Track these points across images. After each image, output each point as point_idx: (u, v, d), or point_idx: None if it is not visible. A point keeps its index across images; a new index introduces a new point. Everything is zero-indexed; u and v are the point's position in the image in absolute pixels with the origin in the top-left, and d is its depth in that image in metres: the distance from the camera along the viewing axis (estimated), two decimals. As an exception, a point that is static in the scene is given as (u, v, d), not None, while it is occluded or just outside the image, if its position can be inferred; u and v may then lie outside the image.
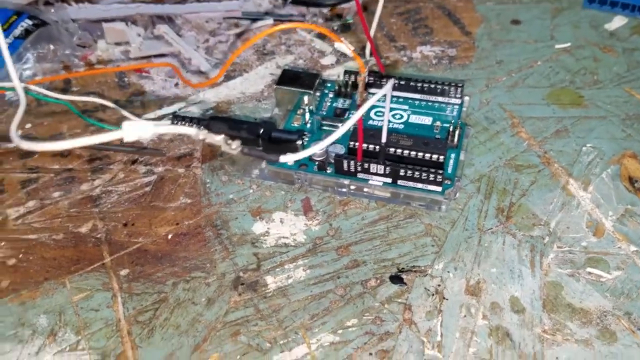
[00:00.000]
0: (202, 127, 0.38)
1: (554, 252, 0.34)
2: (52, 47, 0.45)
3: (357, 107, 0.34)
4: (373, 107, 0.41)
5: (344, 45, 0.30)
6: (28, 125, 0.43)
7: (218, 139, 0.25)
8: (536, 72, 0.45)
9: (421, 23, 0.51)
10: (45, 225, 0.37)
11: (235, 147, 0.25)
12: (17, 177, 0.39)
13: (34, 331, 0.31)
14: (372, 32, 0.39)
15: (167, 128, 0.24)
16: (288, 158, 0.27)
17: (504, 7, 0.52)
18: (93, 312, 0.32)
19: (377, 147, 0.36)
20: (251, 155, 0.27)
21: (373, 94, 0.39)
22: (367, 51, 0.40)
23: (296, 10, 0.52)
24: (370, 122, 0.40)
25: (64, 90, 0.46)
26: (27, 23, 0.47)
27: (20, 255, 0.35)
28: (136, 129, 0.23)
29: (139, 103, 0.45)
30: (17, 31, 0.46)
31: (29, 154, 0.41)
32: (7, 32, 0.45)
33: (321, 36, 0.50)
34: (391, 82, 0.30)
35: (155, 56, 0.48)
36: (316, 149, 0.27)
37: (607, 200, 0.36)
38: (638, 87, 0.43)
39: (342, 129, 0.28)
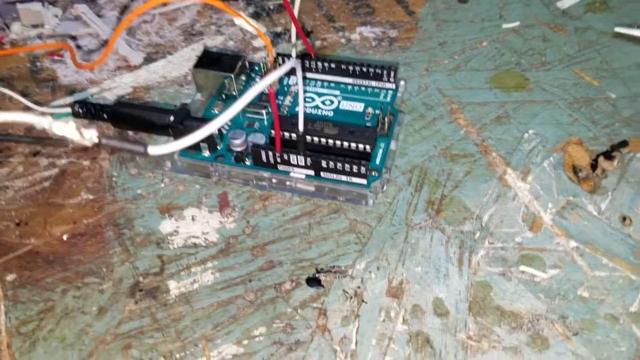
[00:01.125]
0: (104, 115, 0.34)
1: (485, 248, 0.31)
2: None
3: (269, 93, 0.30)
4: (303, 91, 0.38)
5: (244, 21, 0.27)
6: None
7: (68, 128, 0.21)
8: (481, 53, 0.42)
9: (363, 2, 0.48)
10: None
11: (89, 137, 0.22)
12: None
13: None
14: (296, 12, 0.36)
15: (2, 115, 0.20)
16: (156, 150, 0.23)
17: (451, -16, 0.49)
18: (-29, 324, 0.29)
19: (296, 135, 0.33)
20: (111, 148, 0.23)
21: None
22: (293, 33, 0.37)
23: (230, -11, 0.48)
24: (297, 108, 0.37)
25: (-31, 78, 0.42)
26: None
27: None
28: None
29: (49, 89, 0.41)
30: None
31: None
32: None
33: (255, 15, 0.46)
34: (291, 62, 0.27)
35: (71, 37, 0.44)
36: (183, 144, 0.24)
37: (547, 192, 0.33)
38: (588, 69, 0.40)
39: (225, 115, 0.25)
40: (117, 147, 0.23)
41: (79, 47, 0.44)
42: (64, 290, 0.30)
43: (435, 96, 0.39)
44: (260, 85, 0.25)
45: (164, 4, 0.47)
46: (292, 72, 0.38)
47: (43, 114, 0.32)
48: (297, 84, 0.26)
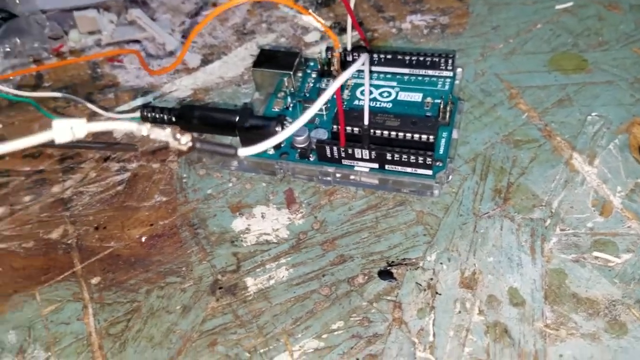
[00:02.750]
0: (172, 118, 0.35)
1: (557, 235, 0.31)
2: (18, 41, 0.42)
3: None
4: (358, 85, 0.38)
5: (313, 19, 0.27)
6: (-1, 126, 0.41)
7: (165, 133, 0.22)
8: (536, 36, 0.42)
9: (411, -11, 0.47)
10: (15, 233, 0.35)
11: (184, 142, 0.23)
12: (-14, 183, 0.37)
13: (2, 349, 0.30)
14: (352, 3, 0.36)
15: (103, 125, 0.21)
16: (245, 151, 0.24)
17: (500, -34, 0.48)
18: (63, 326, 0.30)
19: (361, 129, 0.33)
20: (205, 151, 0.24)
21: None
22: (349, 26, 0.37)
23: (277, -16, 0.49)
24: (357, 102, 0.37)
25: (36, 86, 0.44)
26: (-8, 17, 0.44)
27: (-11, 267, 0.33)
28: (67, 128, 0.20)
29: (112, 94, 0.42)
30: (-18, 26, 0.44)
31: None
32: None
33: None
34: (363, 57, 0.27)
35: (128, 42, 0.45)
36: (270, 144, 0.25)
37: (614, 175, 0.33)
38: (648, 47, 0.40)
39: (303, 117, 0.25)
40: (211, 151, 0.24)
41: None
42: (148, 291, 0.31)
43: (493, 82, 0.39)
44: (339, 82, 0.26)
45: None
46: (345, 64, 0.39)
47: (112, 118, 0.34)
48: (359, 65, 0.26)
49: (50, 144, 0.39)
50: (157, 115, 0.35)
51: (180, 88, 0.42)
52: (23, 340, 0.30)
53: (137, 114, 0.36)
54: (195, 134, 0.25)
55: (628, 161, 0.34)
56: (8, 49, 0.42)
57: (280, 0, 0.27)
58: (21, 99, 0.38)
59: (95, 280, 0.32)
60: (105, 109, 0.40)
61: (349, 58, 0.39)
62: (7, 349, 0.30)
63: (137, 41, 0.45)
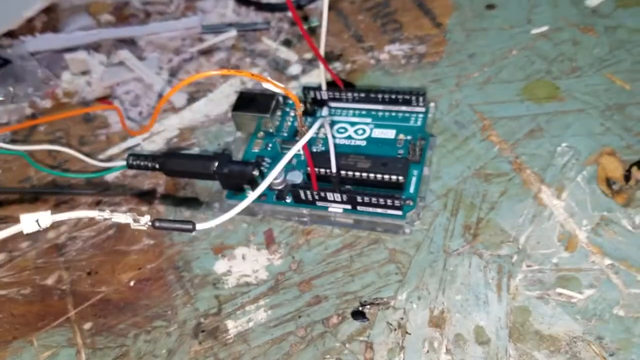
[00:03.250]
0: (155, 166, 0.37)
1: (523, 272, 0.32)
2: (11, 89, 0.44)
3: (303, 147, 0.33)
4: (335, 122, 0.40)
5: (271, 85, 0.29)
6: (-1, 171, 0.43)
7: (124, 217, 0.24)
8: (511, 63, 0.43)
9: (390, 18, 0.48)
10: (14, 280, 0.37)
11: (144, 222, 0.24)
12: (-14, 230, 0.40)
13: (2, 395, 0.32)
14: (322, 49, 0.37)
15: (66, 215, 0.23)
16: (204, 225, 0.26)
17: (478, -10, 0.49)
18: (58, 371, 0.32)
19: (330, 174, 0.35)
20: (164, 230, 0.26)
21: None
22: (321, 67, 0.39)
23: (261, 17, 0.50)
24: (337, 140, 0.39)
25: (31, 130, 0.46)
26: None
27: (-10, 314, 0.35)
28: (33, 221, 0.22)
29: (104, 137, 0.44)
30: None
31: (-1, 202, 0.41)
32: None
33: (287, 43, 0.48)
34: (319, 122, 0.29)
35: (118, 84, 0.47)
36: (234, 212, 0.26)
37: (581, 208, 0.34)
38: (619, 72, 0.40)
39: (266, 180, 0.27)
40: (170, 228, 0.25)
41: (125, 94, 0.46)
42: (136, 335, 0.33)
43: (467, 113, 0.40)
44: (296, 148, 0.28)
45: (200, 42, 0.49)
46: (322, 102, 0.40)
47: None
48: (315, 128, 0.28)
49: (47, 190, 0.41)
50: (142, 163, 0.37)
51: (168, 128, 0.44)
52: (22, 386, 0.32)
53: (124, 162, 0.38)
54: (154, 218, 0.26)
55: (595, 193, 0.35)
56: (2, 98, 0.44)
57: (239, 72, 0.28)
58: (13, 152, 0.40)
59: (87, 326, 0.34)
60: (96, 153, 0.42)
61: (325, 96, 0.40)
62: (7, 395, 0.32)
63: (124, 83, 0.47)
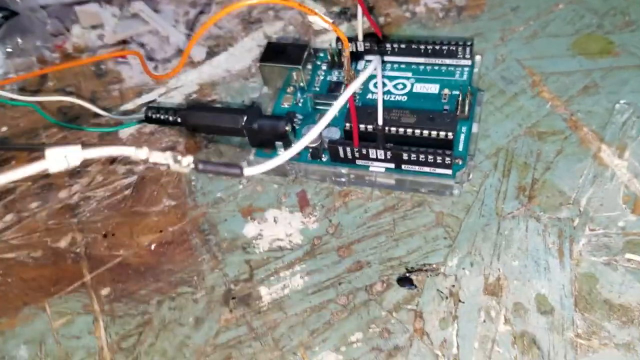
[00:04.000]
0: (177, 119, 0.33)
1: (586, 236, 0.29)
2: (19, 40, 0.41)
3: (345, 86, 0.29)
4: (371, 77, 0.36)
5: (319, 19, 0.25)
6: (4, 129, 0.40)
7: (165, 156, 0.21)
8: (558, 17, 0.39)
9: (424, -30, 0.45)
10: (23, 242, 0.34)
11: (186, 163, 0.21)
12: (-8, 189, 0.37)
13: (13, 365, 0.29)
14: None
15: (97, 151, 0.20)
16: (252, 170, 0.23)
17: (519, -59, 0.45)
18: (75, 340, 0.30)
19: (375, 129, 0.31)
20: (208, 172, 0.23)
21: (360, 70, 0.35)
22: (359, 15, 0.35)
23: (284, -32, 0.46)
24: (370, 95, 0.36)
25: (40, 85, 0.42)
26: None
27: (-2, 278, 0.32)
28: (62, 157, 0.19)
29: (117, 92, 0.41)
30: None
31: (5, 160, 0.38)
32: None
33: (313, -5, 0.44)
34: (375, 62, 0.25)
35: (132, 37, 0.44)
36: (283, 158, 0.23)
37: (647, 169, 0.31)
38: (680, 25, 0.37)
39: (318, 126, 0.24)
40: (215, 171, 0.22)
41: (140, 46, 0.43)
42: (159, 302, 0.30)
43: (514, 68, 0.37)
44: (348, 93, 0.24)
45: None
46: (357, 55, 0.37)
47: (110, 125, 0.32)
48: (370, 71, 0.25)
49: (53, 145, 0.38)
50: (162, 117, 0.34)
51: (186, 84, 0.40)
52: (35, 355, 0.29)
53: (142, 115, 0.35)
54: (200, 153, 0.23)
55: (661, 153, 0.32)
56: (10, 49, 0.40)
57: (285, 2, 0.25)
58: (23, 103, 0.37)
59: (105, 291, 0.31)
60: (109, 110, 0.39)
61: (360, 48, 0.37)
62: (18, 366, 0.29)
63: (139, 36, 0.44)
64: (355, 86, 0.25)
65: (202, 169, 0.22)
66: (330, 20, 0.26)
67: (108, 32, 0.44)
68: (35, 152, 0.38)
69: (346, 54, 0.27)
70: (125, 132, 0.38)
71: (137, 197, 0.35)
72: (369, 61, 0.37)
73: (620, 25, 0.38)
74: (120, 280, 0.31)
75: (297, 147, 0.24)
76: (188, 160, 0.21)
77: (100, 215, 0.34)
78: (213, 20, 0.25)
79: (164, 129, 0.37)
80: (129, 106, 0.40)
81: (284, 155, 0.23)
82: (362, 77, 0.25)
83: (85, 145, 0.19)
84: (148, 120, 0.34)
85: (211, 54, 0.42)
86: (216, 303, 0.30)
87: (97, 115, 0.39)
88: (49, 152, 0.18)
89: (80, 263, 0.32)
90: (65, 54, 0.44)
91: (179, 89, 0.40)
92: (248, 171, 0.23)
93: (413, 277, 0.29)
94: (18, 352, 0.30)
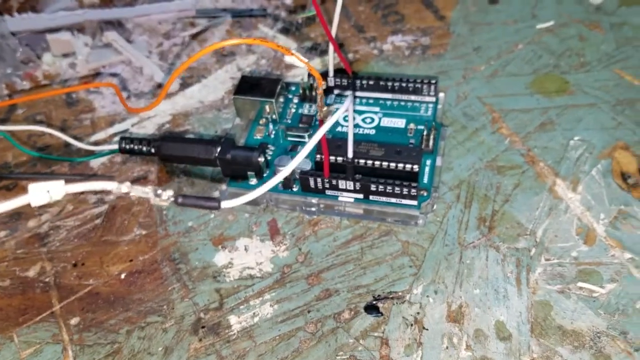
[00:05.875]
0: (151, 150, 0.34)
1: (542, 265, 0.31)
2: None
3: (319, 121, 0.31)
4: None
5: (295, 59, 0.27)
6: (-29, 155, 0.40)
7: (146, 190, 0.21)
8: (517, 57, 0.42)
9: (391, 9, 0.47)
10: (-10, 271, 0.34)
11: (166, 197, 0.22)
12: (-42, 217, 0.36)
13: (-22, 397, 0.29)
14: (333, 31, 0.35)
15: (80, 186, 0.21)
16: (230, 204, 0.24)
17: (480, -16, 0.48)
18: (42, 370, 0.29)
19: (345, 161, 0.33)
20: (187, 206, 0.23)
21: (334, 105, 0.37)
22: (331, 52, 0.37)
23: (256, 4, 0.48)
24: (340, 128, 0.37)
25: (9, 113, 0.42)
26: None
27: (-37, 308, 0.32)
28: (44, 192, 0.19)
29: (89, 121, 0.41)
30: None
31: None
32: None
33: (284, 31, 0.46)
34: (349, 99, 0.27)
35: (104, 66, 0.44)
36: (263, 189, 0.24)
37: (598, 202, 0.33)
38: (628, 68, 0.40)
39: (294, 161, 0.25)
40: (193, 205, 0.23)
41: (111, 76, 0.44)
42: (129, 332, 0.30)
43: (476, 105, 0.39)
44: (325, 128, 0.25)
45: (192, 27, 0.47)
46: (327, 89, 0.39)
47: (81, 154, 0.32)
48: (345, 107, 0.26)
49: (25, 175, 0.38)
50: (136, 147, 0.34)
51: (159, 113, 0.41)
52: (0, 386, 0.29)
53: (115, 146, 0.35)
54: (176, 190, 0.24)
55: (611, 187, 0.34)
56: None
57: (264, 43, 0.26)
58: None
59: (74, 321, 0.31)
60: (80, 139, 0.39)
61: (331, 83, 0.38)
62: (-17, 397, 0.29)
63: (111, 66, 0.44)
64: (331, 122, 0.26)
65: (181, 203, 0.23)
66: (306, 60, 0.27)
67: (80, 61, 0.45)
68: (4, 180, 0.38)
69: (319, 91, 0.28)
70: (96, 162, 0.38)
71: (107, 227, 0.35)
72: (340, 95, 0.39)
73: (576, 66, 0.41)
74: (89, 310, 0.31)
75: (274, 180, 0.25)
76: (168, 194, 0.22)
77: (70, 245, 0.34)
78: (195, 57, 0.26)
79: (135, 158, 0.38)
80: (100, 135, 0.40)
81: (260, 189, 0.24)
82: (339, 113, 0.26)
83: (67, 180, 0.19)
84: (122, 151, 0.35)
85: (184, 85, 0.43)
86: (185, 332, 0.30)
87: (67, 144, 0.39)
88: (32, 187, 0.19)
89: (50, 292, 0.32)
90: (35, 82, 0.44)
91: (152, 118, 0.41)
92: (225, 204, 0.23)
93: (380, 304, 0.30)
94: (-17, 382, 0.29)
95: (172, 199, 0.22)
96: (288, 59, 0.26)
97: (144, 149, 0.34)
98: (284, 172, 0.25)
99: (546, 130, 0.37)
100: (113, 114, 0.41)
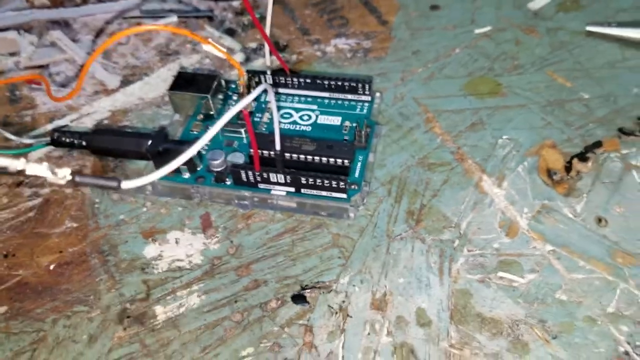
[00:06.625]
0: (82, 143, 0.34)
1: (464, 256, 0.32)
2: None
3: (244, 115, 0.31)
4: (280, 108, 0.38)
5: (212, 47, 0.27)
6: None
7: (41, 168, 0.22)
8: (454, 60, 0.43)
9: (337, 14, 0.48)
10: None
11: (62, 175, 0.22)
12: None
13: None
14: (267, 31, 0.36)
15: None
16: (130, 184, 0.24)
17: (423, -8, 0.49)
18: (-39, 360, 0.29)
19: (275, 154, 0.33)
20: (86, 185, 0.24)
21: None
22: (267, 52, 0.38)
23: (204, 5, 0.49)
24: (282, 125, 0.38)
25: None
26: None
27: None
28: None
29: (30, 118, 0.41)
30: None
31: None
32: None
33: (230, 32, 0.47)
34: (261, 86, 0.27)
35: (47, 65, 0.44)
36: (156, 176, 0.24)
37: (522, 197, 0.34)
38: (561, 70, 0.41)
39: (195, 146, 0.26)
40: (91, 184, 0.23)
41: (55, 74, 0.44)
42: (55, 320, 0.30)
43: (411, 106, 0.40)
44: (232, 112, 0.26)
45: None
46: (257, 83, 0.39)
47: (19, 147, 0.33)
48: (258, 91, 0.27)
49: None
50: (67, 140, 0.34)
51: (99, 110, 0.41)
52: None
53: (48, 139, 0.35)
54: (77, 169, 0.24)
55: (535, 183, 0.35)
56: None
57: (179, 31, 0.27)
58: None
59: (2, 310, 0.31)
60: (20, 134, 0.39)
61: (270, 81, 0.39)
62: None
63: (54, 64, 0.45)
64: (242, 104, 0.27)
65: (79, 181, 0.23)
66: (224, 50, 0.28)
67: (24, 58, 0.45)
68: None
69: (240, 81, 0.29)
70: (33, 156, 0.38)
71: (40, 219, 0.35)
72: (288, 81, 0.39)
73: (509, 69, 0.42)
74: (17, 299, 0.31)
75: (173, 164, 0.25)
76: (65, 172, 0.22)
77: (2, 236, 0.34)
78: (112, 39, 0.26)
79: (72, 152, 0.38)
80: (40, 131, 0.40)
81: (158, 172, 0.24)
82: (250, 97, 0.26)
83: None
84: (54, 143, 0.35)
85: (126, 82, 0.43)
86: (110, 322, 0.30)
87: (6, 139, 0.39)
88: None
89: (-24, 283, 0.32)
90: (-22, 78, 0.44)
91: (91, 115, 0.41)
92: (126, 184, 0.24)
93: (307, 294, 0.31)
94: None
95: (70, 177, 0.22)
96: (205, 47, 0.27)
97: (75, 141, 0.34)
98: (183, 157, 0.25)
99: (476, 129, 0.38)
100: (54, 110, 0.41)
